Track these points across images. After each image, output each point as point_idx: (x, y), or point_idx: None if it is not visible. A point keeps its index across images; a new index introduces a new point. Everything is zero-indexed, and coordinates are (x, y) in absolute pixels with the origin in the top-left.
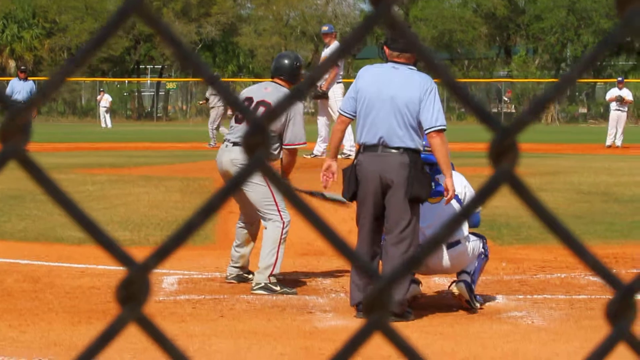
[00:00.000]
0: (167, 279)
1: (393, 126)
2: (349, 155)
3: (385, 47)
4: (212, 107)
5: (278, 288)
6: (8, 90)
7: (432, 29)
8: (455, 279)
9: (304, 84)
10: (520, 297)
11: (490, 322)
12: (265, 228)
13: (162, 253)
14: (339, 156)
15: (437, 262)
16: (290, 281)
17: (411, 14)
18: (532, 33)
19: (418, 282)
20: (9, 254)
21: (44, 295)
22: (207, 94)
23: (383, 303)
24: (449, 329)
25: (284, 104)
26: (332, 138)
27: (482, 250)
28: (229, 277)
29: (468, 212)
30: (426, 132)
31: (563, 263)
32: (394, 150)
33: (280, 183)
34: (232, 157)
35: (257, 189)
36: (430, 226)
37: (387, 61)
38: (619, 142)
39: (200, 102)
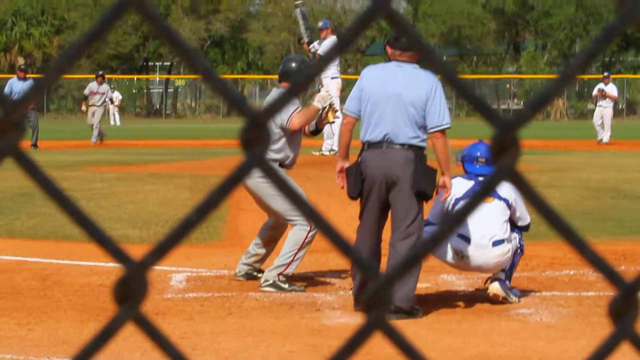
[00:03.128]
0: (175, 277)
1: (398, 123)
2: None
3: (387, 47)
4: (92, 106)
5: (286, 286)
6: (6, 89)
7: (440, 25)
8: (490, 276)
9: (302, 78)
10: (529, 293)
11: (499, 319)
12: (292, 228)
13: (160, 251)
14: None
15: (482, 261)
16: (298, 278)
17: (420, 10)
18: (541, 29)
19: None
20: (19, 251)
21: (53, 293)
22: (86, 92)
23: (382, 300)
24: (457, 326)
25: (283, 99)
26: (340, 139)
27: (519, 245)
28: (238, 275)
29: (469, 210)
30: (431, 130)
31: (572, 260)
32: (398, 147)
33: (277, 180)
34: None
35: (277, 200)
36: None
37: (390, 60)
38: (605, 139)
39: (84, 107)
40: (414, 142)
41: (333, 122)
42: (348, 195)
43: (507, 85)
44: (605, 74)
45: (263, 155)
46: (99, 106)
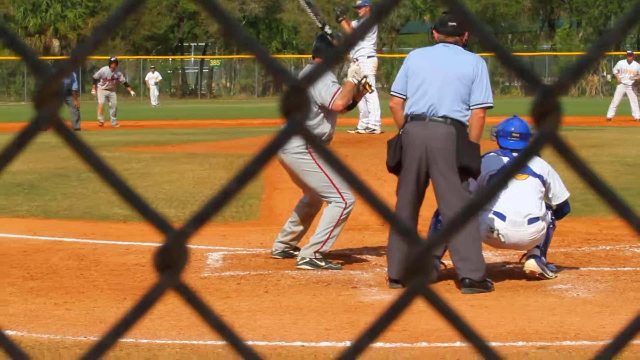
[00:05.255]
0: (211, 255)
1: (443, 97)
2: (374, 130)
3: (434, 31)
4: (106, 89)
5: (323, 263)
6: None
7: (475, 3)
8: (525, 253)
9: (339, 48)
10: (565, 269)
11: (536, 295)
12: (328, 205)
13: (199, 219)
14: (363, 131)
15: (517, 238)
16: (335, 256)
17: None
18: (575, 6)
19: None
20: (55, 232)
21: (89, 273)
22: (96, 76)
23: (424, 267)
24: (494, 302)
25: (320, 69)
26: (395, 119)
27: (550, 220)
28: (274, 253)
29: (512, 174)
30: (474, 107)
31: (608, 235)
32: (441, 120)
33: (320, 148)
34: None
35: (313, 176)
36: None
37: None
38: (637, 115)
39: (93, 91)
40: (457, 116)
41: (371, 91)
42: (387, 165)
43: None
44: (629, 51)
45: (303, 121)
46: (111, 90)
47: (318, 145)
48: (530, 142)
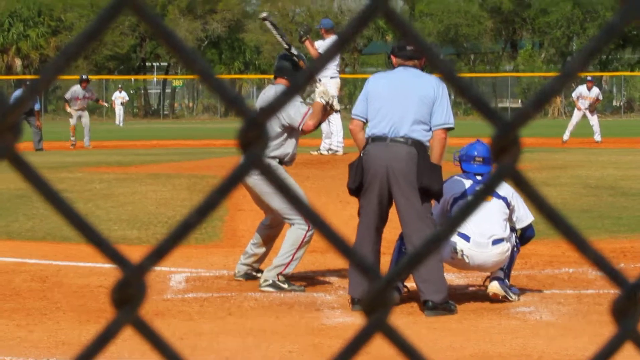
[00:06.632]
0: (174, 277)
1: (404, 118)
2: (337, 151)
3: (392, 56)
4: (78, 109)
5: (286, 285)
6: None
7: (437, 24)
8: (488, 275)
9: (301, 76)
10: (528, 292)
11: (499, 318)
12: (290, 227)
13: (159, 253)
14: (326, 152)
15: (482, 260)
16: (298, 278)
17: (417, 8)
18: (538, 27)
19: (400, 291)
20: (17, 253)
21: (52, 295)
22: (67, 96)
23: (383, 302)
24: (457, 325)
25: (282, 99)
26: (356, 141)
27: (515, 243)
28: (237, 275)
29: (471, 210)
30: (435, 127)
31: (571, 258)
32: (401, 140)
33: (275, 180)
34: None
35: (276, 198)
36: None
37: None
38: (598, 138)
39: (68, 109)
40: (418, 136)
41: (338, 110)
42: (348, 188)
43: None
44: (589, 77)
45: (261, 155)
46: (83, 110)
47: (274, 179)
48: (490, 175)
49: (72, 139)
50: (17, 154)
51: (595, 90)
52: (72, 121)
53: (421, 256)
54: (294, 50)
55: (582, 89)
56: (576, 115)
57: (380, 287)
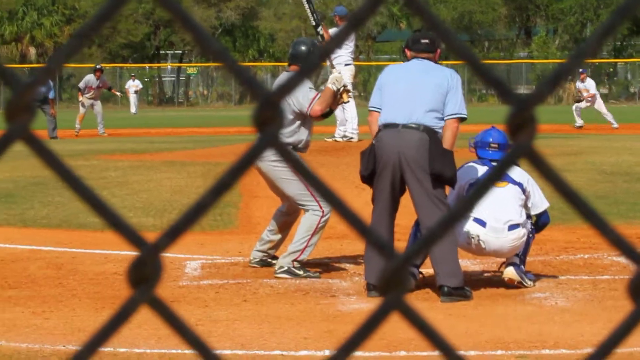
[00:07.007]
0: (190, 264)
1: (416, 107)
2: (351, 138)
3: (406, 50)
4: (91, 98)
5: (301, 272)
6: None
7: (452, 11)
8: (504, 261)
9: (314, 58)
10: (543, 278)
11: (514, 304)
12: (305, 213)
13: (174, 233)
14: (340, 139)
15: (498, 245)
16: (313, 265)
17: None
18: (551, 13)
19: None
20: (33, 241)
21: (68, 282)
22: (81, 85)
23: (399, 281)
24: (472, 311)
25: (295, 80)
26: (371, 132)
27: (530, 229)
28: (253, 261)
29: (485, 189)
30: (448, 117)
31: (586, 244)
32: (413, 126)
33: (292, 160)
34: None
35: (290, 184)
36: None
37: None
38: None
39: (81, 98)
40: (430, 123)
41: (347, 101)
42: (360, 175)
43: None
44: (582, 70)
45: (277, 134)
46: (95, 99)
47: (291, 158)
48: (506, 153)
49: (77, 126)
50: (32, 135)
51: (589, 82)
52: (82, 110)
53: (437, 235)
54: (320, 30)
55: (578, 83)
56: (580, 105)
57: (397, 265)
